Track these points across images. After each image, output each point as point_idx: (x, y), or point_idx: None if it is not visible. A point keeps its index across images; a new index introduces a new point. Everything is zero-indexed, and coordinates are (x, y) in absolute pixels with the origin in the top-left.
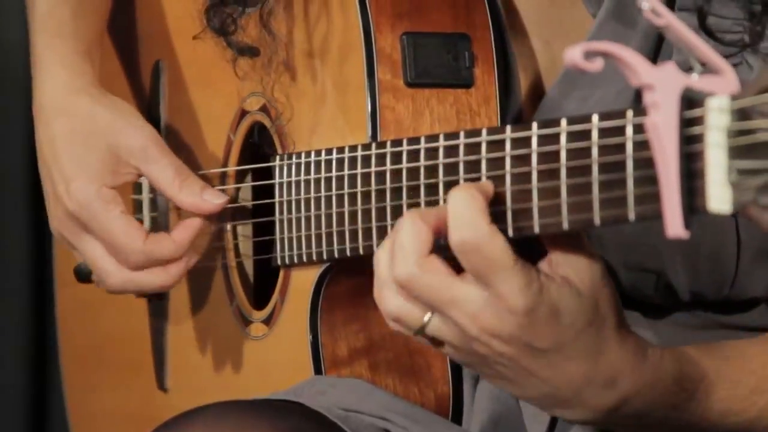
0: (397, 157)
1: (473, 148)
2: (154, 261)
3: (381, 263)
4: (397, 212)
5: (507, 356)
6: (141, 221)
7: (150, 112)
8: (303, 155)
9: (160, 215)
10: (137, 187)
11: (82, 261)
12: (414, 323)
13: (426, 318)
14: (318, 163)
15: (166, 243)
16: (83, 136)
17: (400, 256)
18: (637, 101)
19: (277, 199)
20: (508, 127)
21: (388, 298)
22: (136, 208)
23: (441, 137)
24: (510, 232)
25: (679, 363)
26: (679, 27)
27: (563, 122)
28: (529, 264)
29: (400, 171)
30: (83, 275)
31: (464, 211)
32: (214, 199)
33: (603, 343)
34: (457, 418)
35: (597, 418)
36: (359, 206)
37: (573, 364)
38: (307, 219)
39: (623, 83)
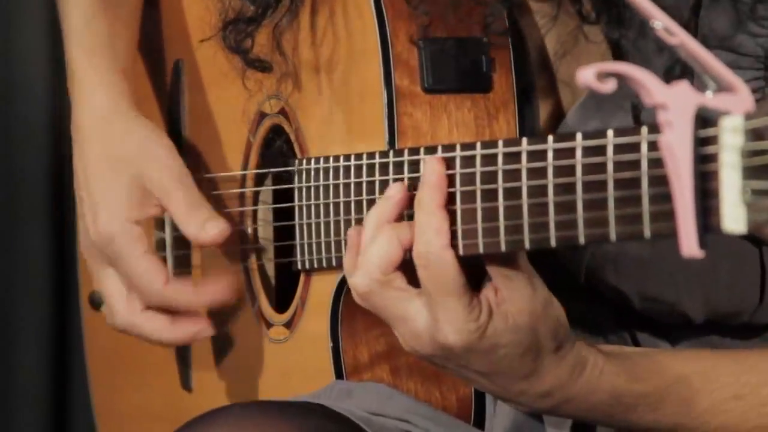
0: (414, 166)
1: (490, 159)
2: (171, 306)
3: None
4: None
5: (450, 367)
6: (164, 258)
7: (170, 112)
8: (321, 160)
9: (185, 253)
10: (160, 224)
11: (99, 289)
12: None
13: None
14: (336, 169)
15: (185, 291)
16: (112, 162)
17: (363, 269)
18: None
19: (296, 203)
20: (524, 140)
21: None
22: (159, 246)
23: (458, 147)
24: (527, 245)
25: (622, 379)
26: (692, 45)
27: (578, 137)
28: (477, 301)
29: (417, 180)
30: (96, 303)
31: (428, 225)
32: (211, 230)
33: (539, 366)
34: (479, 421)
35: (538, 412)
36: None
37: (509, 383)
38: (326, 224)
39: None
